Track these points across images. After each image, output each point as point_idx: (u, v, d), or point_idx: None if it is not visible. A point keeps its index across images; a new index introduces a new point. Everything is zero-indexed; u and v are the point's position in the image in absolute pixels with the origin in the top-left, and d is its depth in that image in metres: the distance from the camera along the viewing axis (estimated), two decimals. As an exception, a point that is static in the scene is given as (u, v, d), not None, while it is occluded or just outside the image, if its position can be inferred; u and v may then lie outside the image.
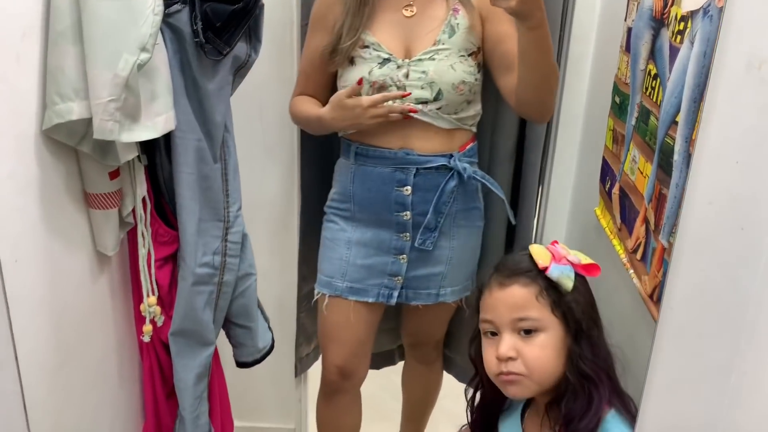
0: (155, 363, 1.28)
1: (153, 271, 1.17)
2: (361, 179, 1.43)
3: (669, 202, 0.91)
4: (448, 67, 1.33)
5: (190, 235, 1.16)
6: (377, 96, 1.31)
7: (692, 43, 0.85)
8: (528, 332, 0.97)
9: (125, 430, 1.26)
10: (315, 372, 1.71)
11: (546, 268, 0.97)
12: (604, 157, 1.30)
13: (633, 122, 1.13)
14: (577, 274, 1.00)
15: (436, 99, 1.34)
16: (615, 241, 1.19)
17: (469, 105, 1.39)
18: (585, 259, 1.02)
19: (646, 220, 1.03)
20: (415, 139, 1.37)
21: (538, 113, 1.34)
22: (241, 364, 1.41)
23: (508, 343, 0.96)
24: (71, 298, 1.04)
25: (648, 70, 1.06)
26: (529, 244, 1.66)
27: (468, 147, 1.43)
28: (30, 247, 0.92)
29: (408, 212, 1.41)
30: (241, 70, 1.19)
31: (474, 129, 1.45)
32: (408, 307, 1.55)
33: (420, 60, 1.34)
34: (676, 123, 0.90)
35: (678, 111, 0.89)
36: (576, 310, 0.98)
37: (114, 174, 1.06)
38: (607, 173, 1.28)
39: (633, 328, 1.07)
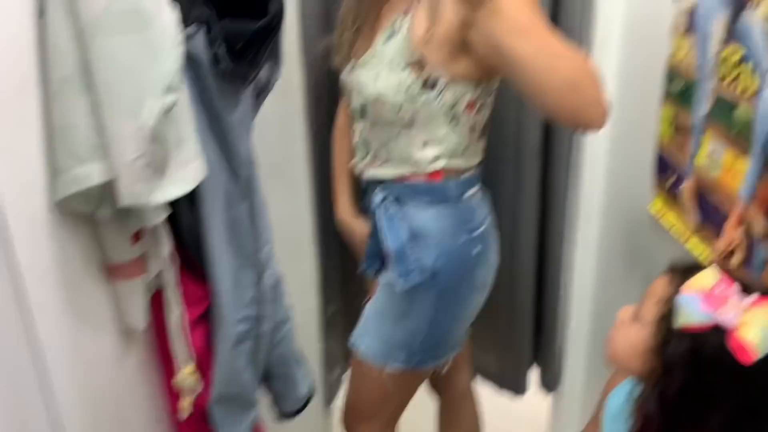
0: (192, 433, 1.12)
1: (188, 338, 1.01)
2: None
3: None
4: (372, 78, 1.11)
5: (227, 292, 1.01)
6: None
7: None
8: None
9: None
10: (339, 400, 1.59)
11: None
12: (659, 151, 1.20)
13: (704, 111, 1.03)
14: None
15: (362, 114, 1.17)
16: (690, 243, 1.09)
17: (407, 135, 1.13)
18: None
19: (745, 222, 0.93)
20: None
21: (571, 123, 1.03)
22: (283, 415, 1.27)
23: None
24: (104, 385, 0.88)
25: (725, 55, 0.96)
26: (559, 243, 1.58)
27: (411, 179, 1.17)
28: (60, 343, 0.76)
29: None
30: (262, 93, 1.03)
31: (431, 169, 1.15)
32: None
33: (360, 65, 1.15)
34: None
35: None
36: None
37: (136, 237, 0.89)
38: (666, 168, 1.18)
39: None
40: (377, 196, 1.19)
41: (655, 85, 1.19)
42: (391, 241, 1.16)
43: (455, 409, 1.57)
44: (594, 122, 0.98)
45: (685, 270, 0.86)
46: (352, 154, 1.29)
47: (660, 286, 0.87)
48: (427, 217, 1.16)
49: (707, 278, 0.81)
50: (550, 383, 1.79)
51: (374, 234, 1.23)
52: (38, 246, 0.73)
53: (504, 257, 1.59)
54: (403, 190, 1.17)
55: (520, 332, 1.70)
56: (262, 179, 1.48)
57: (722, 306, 0.78)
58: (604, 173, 1.49)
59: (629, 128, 1.37)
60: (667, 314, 0.83)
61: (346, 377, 1.71)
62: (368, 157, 1.21)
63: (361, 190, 1.31)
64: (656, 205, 1.23)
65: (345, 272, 1.69)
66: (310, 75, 1.45)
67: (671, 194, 1.16)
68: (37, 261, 0.72)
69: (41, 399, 0.73)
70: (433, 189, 1.16)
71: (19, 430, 0.68)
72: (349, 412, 1.38)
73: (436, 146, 1.13)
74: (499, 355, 1.76)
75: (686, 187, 1.10)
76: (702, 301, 0.79)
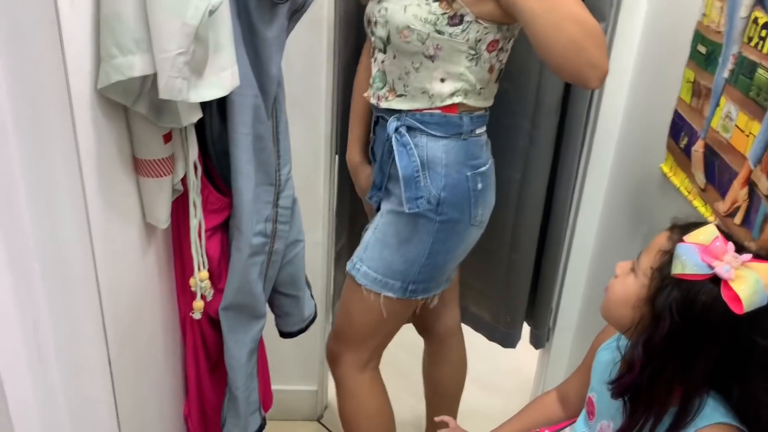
0: (199, 339, 1.17)
1: (204, 242, 1.05)
2: None
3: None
4: (401, 8, 1.14)
5: (247, 203, 1.05)
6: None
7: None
8: None
9: (171, 411, 1.17)
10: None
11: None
12: (677, 111, 1.22)
13: (726, 75, 1.05)
14: None
15: (387, 44, 1.19)
16: (697, 202, 1.13)
17: (427, 68, 1.16)
18: None
19: (750, 183, 0.96)
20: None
21: (570, 79, 1.14)
22: (285, 335, 1.33)
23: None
24: (125, 277, 0.92)
25: (754, 17, 0.98)
26: (567, 196, 1.61)
27: (425, 111, 1.21)
28: (97, 226, 0.79)
29: (375, 164, 1.35)
30: (296, 14, 1.05)
31: (447, 102, 1.19)
32: None
33: None
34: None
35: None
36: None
37: (167, 137, 0.92)
38: (681, 128, 1.20)
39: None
40: (391, 125, 1.22)
41: (680, 46, 1.21)
42: (402, 168, 1.20)
43: (442, 348, 1.62)
44: (591, 82, 1.08)
45: (686, 226, 0.89)
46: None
47: (660, 240, 0.90)
48: (438, 148, 1.21)
49: (707, 233, 0.84)
50: (539, 340, 1.84)
51: (381, 165, 1.28)
52: (83, 128, 0.76)
53: (510, 212, 1.63)
54: (417, 121, 1.21)
55: (518, 288, 1.74)
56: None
57: (719, 259, 0.82)
58: (618, 131, 1.52)
59: (650, 88, 1.40)
60: (664, 264, 0.86)
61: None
62: (385, 89, 1.24)
63: (372, 122, 1.35)
64: (667, 165, 1.26)
65: (354, 209, 1.73)
66: (339, 8, 1.47)
67: (683, 155, 1.19)
68: (83, 142, 0.75)
69: (84, 279, 0.77)
70: (448, 122, 1.21)
71: (64, 307, 0.71)
72: (337, 337, 1.42)
73: (454, 82, 1.18)
74: (494, 309, 1.80)
75: (696, 148, 1.13)
76: (700, 252, 0.83)
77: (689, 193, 1.16)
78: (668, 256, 0.86)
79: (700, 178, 1.12)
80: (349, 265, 1.32)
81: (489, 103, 1.26)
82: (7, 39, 0.62)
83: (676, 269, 0.84)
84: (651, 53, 1.40)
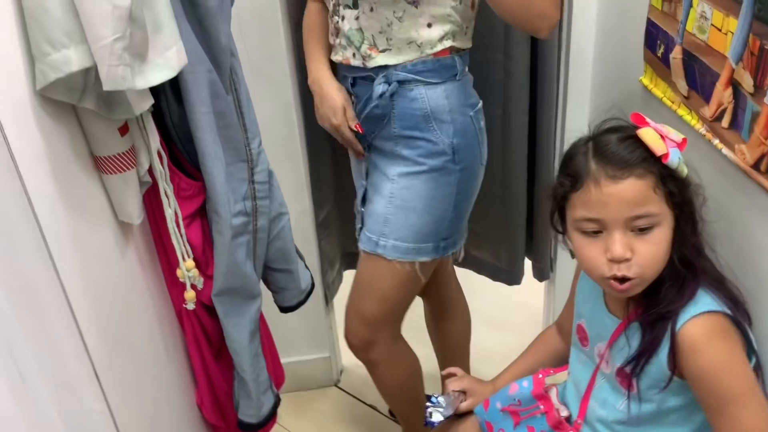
0: (198, 328, 1.15)
1: (183, 231, 1.02)
2: None
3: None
4: None
5: (220, 184, 1.01)
6: (347, 136, 1.24)
7: None
8: (642, 229, 0.88)
9: (183, 403, 1.16)
10: (340, 299, 1.62)
11: (665, 156, 0.87)
12: (650, 20, 1.17)
13: (695, -26, 1.00)
14: None
15: (355, 1, 1.13)
16: (681, 111, 1.09)
17: (411, 15, 1.11)
18: (677, 134, 0.92)
19: (733, 83, 0.93)
20: None
21: (522, 30, 1.17)
22: (285, 309, 1.31)
23: (622, 242, 0.87)
24: (105, 280, 0.89)
25: None
26: (551, 125, 1.58)
27: (416, 61, 1.15)
28: (60, 233, 0.76)
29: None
30: (238, -22, 0.99)
31: (439, 47, 1.15)
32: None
33: None
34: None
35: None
36: (688, 196, 0.89)
37: (123, 129, 0.88)
38: (656, 37, 1.16)
39: (725, 200, 1.00)
40: (379, 86, 1.15)
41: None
42: (409, 127, 1.16)
43: (442, 305, 1.58)
44: (541, 33, 1.09)
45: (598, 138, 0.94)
46: (327, 44, 1.26)
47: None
48: (438, 95, 1.16)
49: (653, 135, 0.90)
50: (543, 273, 1.83)
51: (372, 128, 1.21)
52: (27, 135, 0.72)
53: (496, 148, 1.60)
54: (410, 72, 1.15)
55: (515, 225, 1.71)
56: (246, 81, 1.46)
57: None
58: (593, 51, 1.47)
59: (619, 1, 1.35)
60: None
61: (346, 280, 1.74)
62: (364, 47, 1.16)
63: (348, 91, 1.24)
64: (647, 77, 1.22)
65: (336, 174, 1.69)
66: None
67: (662, 64, 1.15)
68: (27, 149, 0.71)
69: (51, 292, 0.74)
70: (442, 65, 1.16)
71: (37, 324, 0.69)
72: (369, 323, 1.31)
73: (442, 25, 1.13)
74: (494, 250, 1.78)
75: (674, 55, 1.09)
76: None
77: (672, 102, 1.12)
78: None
79: (682, 85, 1.08)
80: (369, 246, 1.24)
81: (470, 42, 1.22)
82: None
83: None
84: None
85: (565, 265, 1.77)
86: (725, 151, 0.97)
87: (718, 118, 0.98)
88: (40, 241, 0.72)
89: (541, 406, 1.10)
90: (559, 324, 1.24)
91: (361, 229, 1.29)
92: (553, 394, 1.12)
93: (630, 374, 0.94)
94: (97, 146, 0.86)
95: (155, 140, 0.93)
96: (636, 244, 0.87)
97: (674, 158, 0.87)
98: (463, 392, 1.22)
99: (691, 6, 1.02)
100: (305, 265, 1.33)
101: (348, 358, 1.74)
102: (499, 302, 2.11)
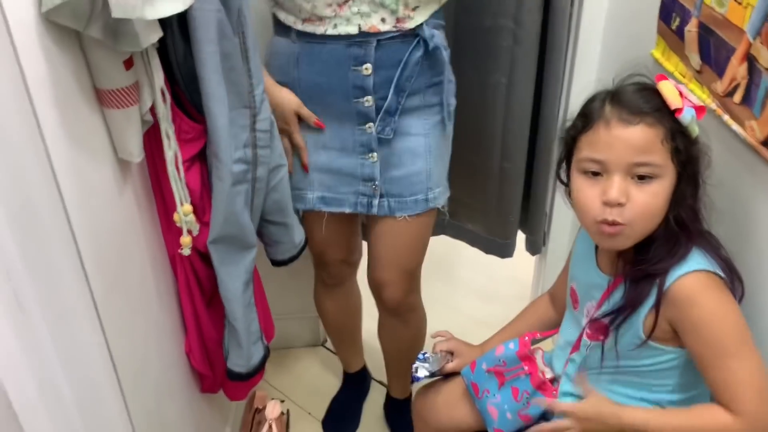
0: (191, 275, 1.14)
1: (183, 175, 1.00)
2: (308, 61, 1.18)
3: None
4: None
5: (222, 128, 0.99)
6: (298, 142, 1.25)
7: None
8: (642, 178, 0.88)
9: (172, 349, 1.15)
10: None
11: (679, 110, 0.86)
12: (667, -8, 1.16)
13: (718, -55, 0.98)
14: None
15: None
16: (693, 86, 1.08)
17: None
18: (697, 99, 0.92)
19: (749, 58, 0.92)
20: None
21: None
22: (277, 263, 1.30)
23: (620, 186, 0.87)
24: (104, 217, 0.87)
25: None
26: (555, 96, 1.56)
27: (437, 10, 1.20)
28: (62, 160, 0.74)
29: (370, 97, 1.18)
30: None
31: None
32: (380, 230, 1.31)
33: None
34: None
35: None
36: (694, 156, 0.89)
37: (128, 63, 0.86)
38: (672, 9, 1.14)
39: (732, 176, 0.99)
40: (419, 45, 1.17)
41: None
42: (437, 75, 1.22)
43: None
44: None
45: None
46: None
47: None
48: (443, 38, 1.23)
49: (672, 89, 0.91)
50: (536, 246, 1.82)
51: (399, 86, 1.18)
52: (32, 59, 0.69)
53: (499, 120, 1.58)
54: (435, 18, 1.20)
55: (511, 198, 1.70)
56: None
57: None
58: (604, 22, 1.45)
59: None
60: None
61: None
62: (400, 8, 1.13)
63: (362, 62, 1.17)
64: (658, 50, 1.20)
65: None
66: None
67: (676, 37, 1.13)
68: (31, 73, 0.69)
69: (53, 217, 0.72)
70: (442, 7, 1.22)
71: (36, 249, 0.67)
72: (411, 283, 1.39)
73: None
74: (488, 223, 1.77)
75: (689, 28, 1.07)
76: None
77: (684, 76, 1.11)
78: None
79: (695, 59, 1.07)
80: (419, 207, 1.27)
81: None
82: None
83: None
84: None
85: (558, 240, 1.77)
86: (735, 127, 0.96)
87: (730, 93, 0.97)
88: (45, 161, 0.70)
89: (525, 367, 1.11)
90: (552, 293, 1.24)
91: (370, 198, 1.27)
92: (539, 356, 1.13)
93: (607, 326, 0.95)
94: (101, 78, 0.83)
95: (159, 77, 0.90)
96: (633, 192, 0.87)
97: (687, 115, 0.87)
98: (451, 353, 1.22)
99: (711, -22, 1.01)
100: (300, 220, 1.32)
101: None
102: (488, 273, 2.12)
